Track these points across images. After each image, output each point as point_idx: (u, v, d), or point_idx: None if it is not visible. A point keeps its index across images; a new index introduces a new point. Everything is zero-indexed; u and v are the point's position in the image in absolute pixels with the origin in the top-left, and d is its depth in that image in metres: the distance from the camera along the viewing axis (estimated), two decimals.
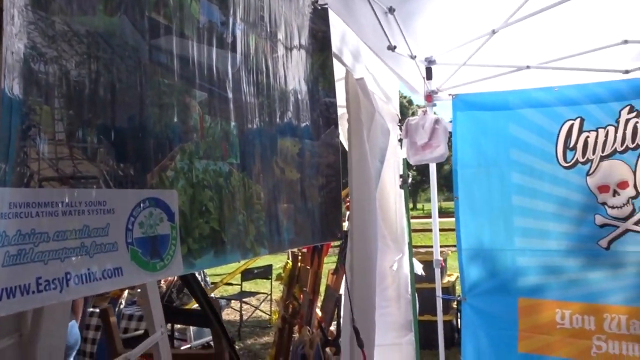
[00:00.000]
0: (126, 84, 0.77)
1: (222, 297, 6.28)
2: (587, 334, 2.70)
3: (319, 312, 3.00)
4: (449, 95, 3.06)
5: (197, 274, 5.30)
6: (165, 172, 0.82)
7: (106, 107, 0.74)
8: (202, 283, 5.18)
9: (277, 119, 1.18)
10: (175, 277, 3.66)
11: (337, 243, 2.81)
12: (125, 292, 3.75)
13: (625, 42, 2.62)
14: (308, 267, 3.12)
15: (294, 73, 1.28)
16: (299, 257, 3.30)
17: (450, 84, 3.08)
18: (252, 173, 1.06)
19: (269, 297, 6.61)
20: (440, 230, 3.31)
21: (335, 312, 2.48)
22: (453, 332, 5.16)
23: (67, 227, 0.65)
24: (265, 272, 6.60)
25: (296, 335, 2.91)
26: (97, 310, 3.21)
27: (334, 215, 1.39)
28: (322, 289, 2.98)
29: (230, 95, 1.01)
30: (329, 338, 2.36)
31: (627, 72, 2.74)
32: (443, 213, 3.17)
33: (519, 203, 2.86)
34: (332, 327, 2.97)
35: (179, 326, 3.43)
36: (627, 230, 2.66)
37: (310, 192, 1.30)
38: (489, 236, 2.92)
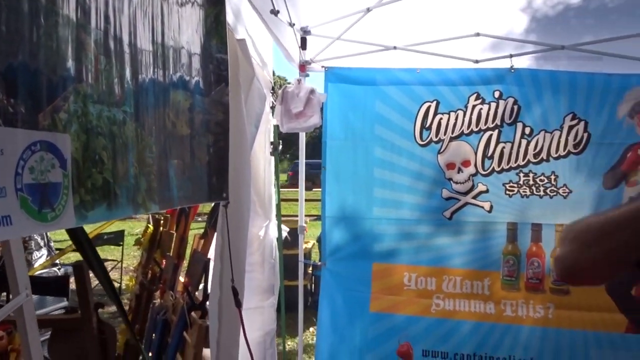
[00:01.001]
0: (17, 12, 0.66)
1: (65, 264, 5.76)
2: (428, 294, 3.05)
3: (181, 278, 2.93)
4: (322, 67, 3.14)
5: (39, 238, 4.78)
6: (58, 114, 0.73)
7: None
8: (46, 248, 4.69)
9: (171, 70, 1.11)
10: None
11: (207, 209, 2.75)
12: None
13: (477, 34, 2.93)
14: (172, 232, 3.01)
15: (187, 23, 1.20)
16: (161, 221, 3.17)
17: (323, 56, 3.15)
18: (144, 124, 0.98)
19: (119, 264, 6.24)
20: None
21: (203, 277, 2.45)
22: (307, 295, 5.43)
23: None
24: (116, 239, 6.21)
25: (157, 302, 2.81)
26: None
27: (221, 175, 1.36)
28: (187, 253, 2.91)
29: (125, 38, 0.92)
30: (196, 302, 2.33)
31: (477, 62, 3.07)
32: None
33: (379, 175, 3.07)
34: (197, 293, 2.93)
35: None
36: (466, 203, 3.03)
37: (199, 150, 1.25)
38: (351, 205, 3.11)
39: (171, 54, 1.11)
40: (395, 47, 3.06)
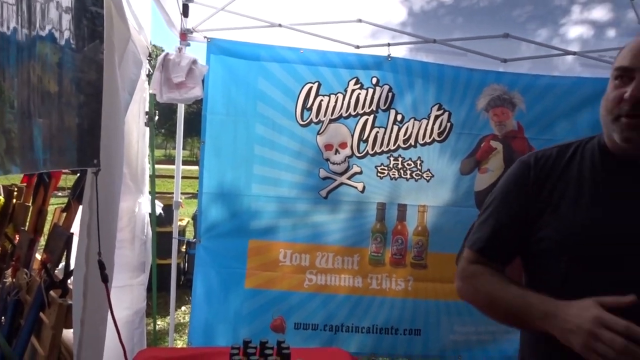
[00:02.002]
0: None
1: None
2: (302, 270, 3.14)
3: (38, 255, 2.66)
4: (205, 37, 3.03)
5: None
6: None
7: None
8: None
9: (38, 17, 0.99)
10: None
11: (69, 184, 2.52)
12: None
13: (360, 21, 3.04)
14: (27, 204, 2.72)
15: None
16: (15, 193, 2.84)
17: (206, 27, 3.04)
18: (5, 75, 0.87)
19: None
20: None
21: (65, 253, 2.25)
22: (181, 274, 5.28)
23: None
24: None
25: (8, 280, 2.53)
26: None
27: (93, 139, 1.26)
28: (46, 228, 2.65)
29: None
30: (55, 280, 2.14)
31: (358, 47, 3.18)
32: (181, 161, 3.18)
33: (260, 153, 3.07)
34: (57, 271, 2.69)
35: None
36: (341, 184, 3.16)
37: (69, 110, 1.14)
38: (230, 182, 3.07)
39: (39, 3, 0.99)
40: (280, 25, 3.05)
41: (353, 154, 3.15)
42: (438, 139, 3.19)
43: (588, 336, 0.89)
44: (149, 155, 2.90)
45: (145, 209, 2.88)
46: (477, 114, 3.21)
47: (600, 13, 3.23)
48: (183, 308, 4.84)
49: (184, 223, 5.54)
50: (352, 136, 3.15)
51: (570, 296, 1.01)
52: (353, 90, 3.13)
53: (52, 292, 2.14)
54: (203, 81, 2.92)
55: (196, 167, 3.15)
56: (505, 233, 1.15)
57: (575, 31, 3.32)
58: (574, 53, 3.32)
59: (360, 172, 3.15)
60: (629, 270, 0.99)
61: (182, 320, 4.57)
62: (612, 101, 1.04)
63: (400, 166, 3.18)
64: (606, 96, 1.08)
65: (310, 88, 3.10)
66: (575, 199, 1.07)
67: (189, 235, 5.78)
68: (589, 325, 0.90)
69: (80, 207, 2.00)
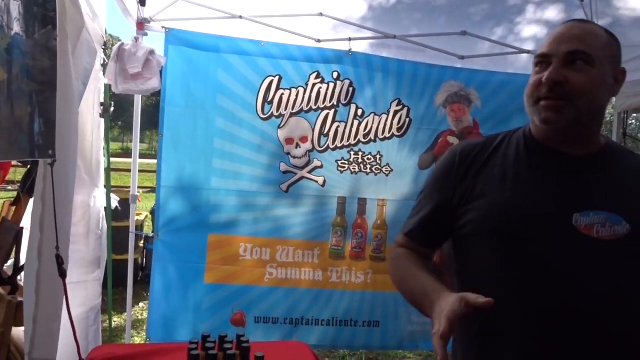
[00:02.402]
0: None
1: None
2: (262, 264, 3.13)
3: None
4: (163, 28, 2.97)
5: None
6: None
7: None
8: None
9: None
10: None
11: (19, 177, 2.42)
12: None
13: (321, 14, 3.04)
14: None
15: None
16: None
17: (164, 16, 2.97)
18: None
19: None
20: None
21: (14, 248, 2.16)
22: (138, 270, 5.17)
23: None
24: None
25: None
26: None
27: (47, 129, 1.21)
28: None
29: None
30: (4, 277, 2.05)
31: (319, 41, 3.18)
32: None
33: (219, 146, 3.03)
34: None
35: None
36: (302, 177, 3.17)
37: (20, 99, 1.09)
38: (189, 175, 3.02)
39: None
40: (241, 17, 3.02)
41: (314, 148, 3.16)
42: (397, 134, 3.24)
43: (436, 335, 0.92)
44: (104, 148, 2.82)
45: (101, 202, 2.80)
46: (435, 110, 3.28)
47: (553, 13, 3.35)
48: (141, 304, 4.74)
49: (142, 218, 5.42)
50: (313, 130, 3.16)
51: (494, 276, 1.07)
52: (314, 84, 3.13)
53: (0, 289, 2.05)
54: (161, 72, 2.86)
55: (155, 161, 3.08)
56: (433, 217, 1.19)
57: (529, 30, 3.44)
58: (528, 52, 3.43)
59: (321, 166, 3.17)
60: (549, 250, 1.03)
61: (140, 317, 4.48)
62: (532, 86, 1.10)
63: (360, 160, 3.21)
64: (528, 83, 1.13)
65: (271, 81, 3.09)
66: (500, 183, 1.10)
67: (148, 230, 5.65)
68: (436, 326, 0.93)
69: (31, 200, 1.93)
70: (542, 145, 1.14)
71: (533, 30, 3.42)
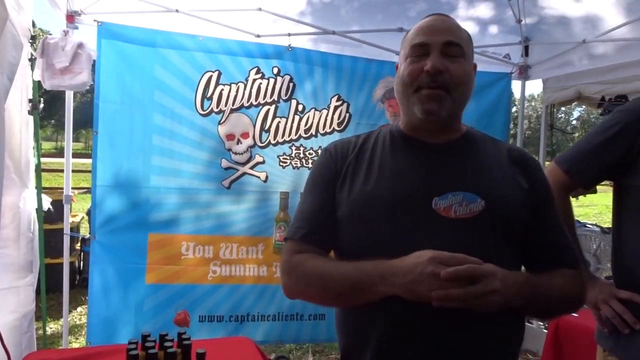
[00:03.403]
0: None
1: None
2: (206, 262, 3.09)
3: None
4: (94, 21, 2.86)
5: None
6: None
7: None
8: None
9: None
10: None
11: None
12: None
13: (260, 9, 3.03)
14: None
15: None
16: None
17: (96, 9, 2.87)
18: None
19: None
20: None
21: None
22: (75, 273, 4.97)
23: None
24: None
25: None
26: None
27: None
28: None
29: None
30: None
31: (258, 36, 3.17)
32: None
33: (158, 143, 2.97)
34: None
35: None
36: (244, 173, 3.15)
37: None
38: (127, 173, 2.94)
39: None
40: (177, 11, 2.96)
41: (255, 143, 3.15)
42: (338, 128, 3.29)
43: (432, 278, 0.92)
44: (34, 147, 2.69)
45: (31, 204, 2.68)
46: (374, 105, 3.35)
47: (483, 11, 3.50)
48: (79, 309, 4.57)
49: (77, 219, 5.21)
50: (254, 126, 3.15)
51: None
52: (254, 80, 3.12)
53: None
54: (93, 67, 2.76)
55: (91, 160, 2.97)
56: (321, 217, 1.16)
57: (463, 26, 3.57)
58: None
59: (263, 162, 3.16)
60: (411, 234, 1.05)
61: (78, 322, 4.31)
62: (410, 75, 1.10)
63: (302, 155, 3.23)
64: (401, 74, 1.14)
65: (210, 77, 3.05)
66: (365, 175, 1.13)
67: (85, 232, 5.44)
68: (430, 268, 0.92)
69: None
70: (407, 136, 1.18)
71: (465, 26, 3.56)
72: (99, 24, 2.84)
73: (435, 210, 1.06)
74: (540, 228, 1.14)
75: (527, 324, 4.04)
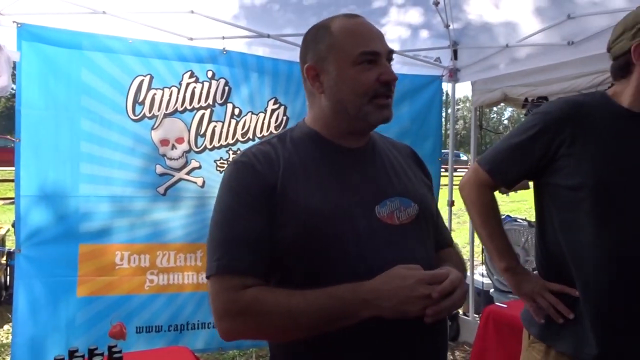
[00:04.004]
0: None
1: None
2: (142, 271, 3.00)
3: None
4: (14, 22, 2.71)
5: None
6: None
7: None
8: None
9: None
10: None
11: None
12: None
13: (192, 12, 2.98)
14: None
15: None
16: None
17: (15, 10, 2.71)
18: None
19: None
20: None
21: None
22: (1, 290, 4.68)
23: None
24: None
25: None
26: None
27: None
28: None
29: None
30: None
31: (191, 39, 3.12)
32: None
33: (87, 150, 2.85)
34: None
35: None
36: (180, 179, 3.09)
37: None
38: (53, 182, 2.80)
39: None
40: (104, 12, 2.85)
41: (191, 148, 3.10)
42: (275, 132, 3.28)
43: (423, 299, 0.94)
44: None
45: None
46: None
47: (413, 16, 3.61)
48: (6, 327, 4.30)
49: (3, 231, 4.91)
50: (189, 131, 3.09)
51: (312, 274, 1.03)
52: (188, 84, 3.07)
53: None
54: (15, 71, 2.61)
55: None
56: (263, 242, 1.03)
57: (394, 31, 3.67)
58: (393, 51, 3.66)
59: (199, 167, 3.11)
60: (362, 246, 1.04)
61: (5, 341, 4.06)
62: (366, 84, 1.08)
63: None
64: (351, 81, 1.10)
65: (142, 81, 2.96)
66: (305, 189, 1.06)
67: (11, 244, 5.13)
68: (420, 290, 0.94)
69: None
70: (328, 140, 1.15)
71: (397, 30, 3.67)
72: (19, 25, 2.70)
73: (379, 218, 1.07)
74: (435, 216, 1.24)
75: (463, 317, 4.26)
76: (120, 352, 1.51)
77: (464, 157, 19.73)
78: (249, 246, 1.02)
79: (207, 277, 1.04)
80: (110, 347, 1.53)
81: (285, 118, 3.30)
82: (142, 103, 2.97)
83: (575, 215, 1.43)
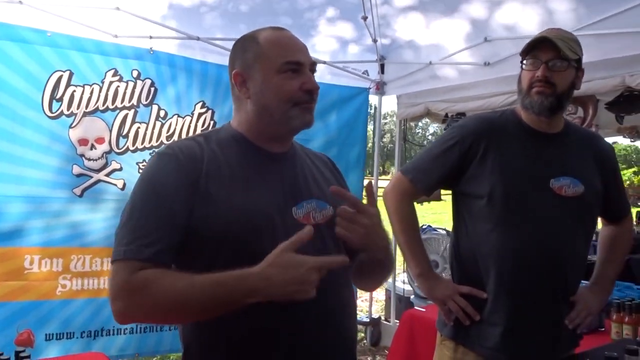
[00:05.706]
0: None
1: None
2: (54, 276, 2.85)
3: None
4: None
5: None
6: None
7: None
8: None
9: None
10: None
11: None
12: None
13: (117, 9, 2.90)
14: None
15: None
16: None
17: None
18: None
19: None
20: None
21: None
22: None
23: None
24: None
25: None
26: None
27: None
28: None
29: None
30: None
31: (116, 37, 3.03)
32: None
33: None
34: None
35: None
36: (99, 180, 2.98)
37: None
38: None
39: None
40: (21, 2, 2.71)
41: (112, 149, 3.00)
42: None
43: (313, 284, 0.98)
44: None
45: None
46: None
47: (343, 29, 3.72)
48: None
49: None
50: (110, 131, 3.00)
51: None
52: (111, 82, 2.97)
53: None
54: None
55: None
56: (171, 232, 1.05)
57: (325, 43, 3.77)
58: (324, 62, 3.75)
59: (120, 169, 3.02)
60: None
61: None
62: (290, 91, 1.14)
63: None
64: (278, 87, 1.15)
65: (61, 77, 2.84)
66: (230, 188, 1.10)
67: None
68: (314, 276, 0.98)
69: None
70: (253, 144, 1.20)
71: (328, 42, 3.76)
72: None
73: (296, 218, 1.14)
74: None
75: (385, 322, 4.39)
76: (29, 357, 1.44)
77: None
78: (157, 234, 1.03)
79: (112, 262, 1.04)
80: (17, 353, 1.46)
81: (212, 122, 3.27)
82: (60, 100, 2.84)
83: (484, 221, 1.58)
